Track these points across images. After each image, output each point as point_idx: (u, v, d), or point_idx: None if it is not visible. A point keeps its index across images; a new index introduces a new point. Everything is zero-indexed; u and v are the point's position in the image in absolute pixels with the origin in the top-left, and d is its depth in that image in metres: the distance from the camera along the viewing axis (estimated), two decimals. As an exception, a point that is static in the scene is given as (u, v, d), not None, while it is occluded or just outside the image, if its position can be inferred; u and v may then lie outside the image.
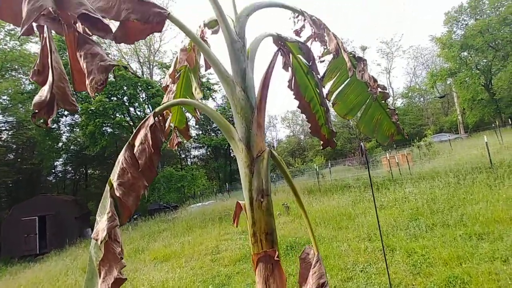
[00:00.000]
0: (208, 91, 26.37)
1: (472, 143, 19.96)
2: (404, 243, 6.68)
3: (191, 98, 2.87)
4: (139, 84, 22.97)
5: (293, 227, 10.22)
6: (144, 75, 27.13)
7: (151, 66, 29.03)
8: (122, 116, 24.35)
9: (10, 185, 27.28)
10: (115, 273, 1.55)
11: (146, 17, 1.50)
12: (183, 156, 39.32)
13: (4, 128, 26.83)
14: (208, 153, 38.24)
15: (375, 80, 2.66)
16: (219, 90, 28.22)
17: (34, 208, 20.78)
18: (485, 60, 30.66)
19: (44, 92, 1.47)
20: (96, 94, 1.27)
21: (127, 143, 1.63)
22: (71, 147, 30.81)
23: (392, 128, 3.07)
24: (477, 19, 30.20)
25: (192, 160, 39.94)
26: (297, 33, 2.27)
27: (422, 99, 49.74)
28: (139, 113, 25.27)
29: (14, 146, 28.13)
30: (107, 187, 1.64)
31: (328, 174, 19.48)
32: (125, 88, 22.50)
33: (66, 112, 25.30)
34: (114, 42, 1.53)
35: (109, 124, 23.30)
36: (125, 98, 23.58)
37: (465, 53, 31.11)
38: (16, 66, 24.57)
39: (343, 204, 11.69)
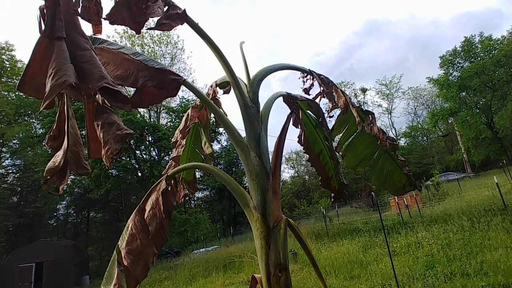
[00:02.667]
0: (213, 134, 26.83)
1: (481, 182, 19.58)
2: (422, 295, 6.23)
3: (200, 151, 2.88)
4: (145, 128, 23.48)
5: (302, 276, 9.68)
6: (151, 119, 27.86)
7: (158, 110, 29.94)
8: (128, 159, 24.56)
9: (11, 229, 26.74)
10: None
11: (162, 84, 1.55)
12: (186, 198, 38.70)
13: (11, 171, 27.04)
14: (212, 195, 37.72)
15: (384, 132, 2.67)
16: (224, 133, 28.72)
17: (33, 254, 20.11)
18: (484, 100, 31.25)
19: (57, 158, 1.47)
20: (111, 164, 1.26)
21: (137, 207, 1.59)
22: (75, 190, 30.69)
23: (403, 179, 3.01)
24: (471, 61, 31.37)
25: (195, 202, 39.31)
26: (307, 91, 2.33)
27: (425, 138, 49.96)
28: (144, 155, 25.49)
29: (19, 188, 28.10)
30: (115, 254, 1.56)
31: (336, 217, 18.93)
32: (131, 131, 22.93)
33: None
34: (131, 107, 1.56)
35: (113, 168, 23.41)
36: (131, 141, 23.97)
37: (464, 93, 31.84)
38: (29, 112, 25.53)
39: (354, 250, 11.17)
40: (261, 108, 1.73)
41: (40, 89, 1.27)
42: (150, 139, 24.79)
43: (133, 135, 1.34)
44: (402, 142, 47.63)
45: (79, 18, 1.38)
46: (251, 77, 1.81)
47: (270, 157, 1.58)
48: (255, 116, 1.63)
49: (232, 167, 34.78)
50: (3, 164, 25.73)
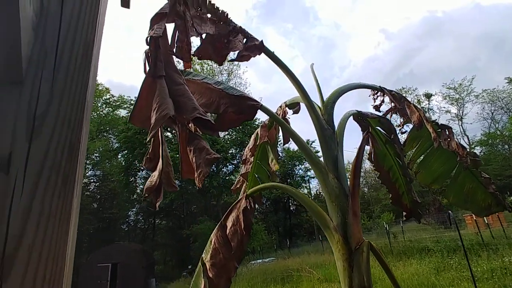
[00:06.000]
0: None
1: None
2: (514, 331, 5.42)
3: (266, 168, 2.99)
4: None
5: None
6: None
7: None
8: (189, 169, 26.08)
9: (91, 231, 30.23)
10: None
11: (241, 109, 1.69)
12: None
13: (92, 181, 30.79)
14: (268, 206, 37.91)
15: (463, 148, 2.47)
16: (279, 144, 28.89)
17: (109, 255, 22.36)
18: None
19: (154, 178, 1.69)
20: (202, 183, 1.42)
21: (219, 223, 1.73)
22: (143, 198, 33.56)
23: (488, 198, 2.72)
24: None
25: (251, 213, 39.91)
26: (377, 108, 2.29)
27: (506, 146, 43.63)
28: (204, 167, 26.84)
29: (98, 196, 31.78)
30: (200, 265, 1.72)
31: (400, 233, 17.50)
32: (193, 144, 24.48)
33: (142, 167, 28.23)
34: (212, 132, 1.73)
35: (177, 178, 25.11)
36: (192, 153, 25.47)
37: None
38: (108, 128, 29.02)
39: (424, 271, 10.18)
40: (335, 129, 1.77)
41: (145, 121, 1.49)
42: (209, 151, 26.09)
43: (220, 158, 1.49)
44: (477, 151, 42.27)
45: (173, 56, 1.60)
46: (324, 99, 1.86)
47: (348, 178, 1.60)
48: (331, 138, 1.67)
49: (287, 178, 34.66)
50: (87, 174, 29.44)
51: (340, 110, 2.19)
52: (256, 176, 3.24)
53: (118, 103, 29.15)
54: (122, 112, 29.88)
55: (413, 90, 43.02)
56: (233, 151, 26.97)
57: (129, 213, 34.94)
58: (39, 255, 0.60)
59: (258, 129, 2.52)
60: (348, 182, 1.57)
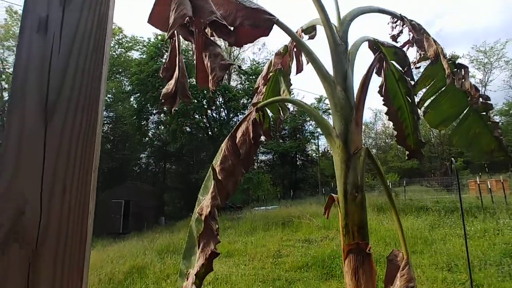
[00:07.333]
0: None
1: None
2: (494, 280, 5.83)
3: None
4: (218, 88, 24.69)
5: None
6: (223, 81, 29.05)
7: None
8: (200, 117, 26.47)
9: (105, 170, 31.88)
10: (211, 247, 1.77)
11: (257, 23, 1.70)
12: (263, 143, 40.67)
13: (106, 122, 31.59)
14: (275, 159, 38.71)
15: (476, 89, 2.46)
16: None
17: (122, 193, 23.87)
18: None
19: (170, 86, 1.78)
20: (215, 88, 1.50)
21: (230, 134, 1.85)
22: (155, 142, 34.65)
23: (492, 143, 2.76)
24: None
25: (258, 164, 40.97)
26: (394, 38, 2.25)
27: (527, 118, 42.04)
28: (215, 115, 27.13)
29: (112, 137, 32.86)
30: (210, 171, 1.88)
31: (402, 192, 17.94)
32: (205, 91, 24.44)
33: (154, 111, 28.62)
34: (228, 45, 1.77)
35: (188, 124, 25.57)
36: (204, 101, 25.60)
37: None
38: (120, 70, 28.89)
39: (419, 226, 10.66)
40: (348, 48, 1.78)
41: (164, 23, 1.54)
42: (221, 99, 26.11)
43: (234, 65, 1.55)
44: (496, 120, 40.85)
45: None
46: (341, 17, 1.84)
47: (354, 94, 1.66)
48: (343, 53, 1.70)
49: (296, 133, 34.83)
50: (101, 115, 30.05)
51: (354, 39, 2.16)
52: (266, 109, 3.32)
53: (130, 44, 28.58)
54: (135, 54, 29.49)
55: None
56: (244, 101, 26.86)
57: (141, 155, 36.33)
58: (76, 104, 0.70)
59: (272, 58, 2.53)
60: (355, 97, 1.63)
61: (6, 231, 0.57)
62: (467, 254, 4.39)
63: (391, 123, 2.73)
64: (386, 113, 2.55)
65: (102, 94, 0.75)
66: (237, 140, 1.78)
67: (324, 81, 1.69)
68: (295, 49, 2.46)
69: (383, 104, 2.45)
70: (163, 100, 1.75)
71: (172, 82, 1.76)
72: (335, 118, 1.63)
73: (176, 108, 1.71)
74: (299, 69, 2.58)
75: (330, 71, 1.69)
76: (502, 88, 42.35)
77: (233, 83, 31.09)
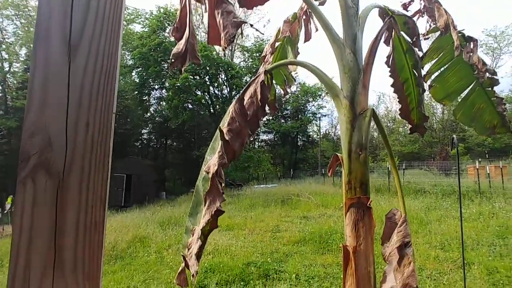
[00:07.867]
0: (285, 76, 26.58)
1: None
2: (485, 259, 6.03)
3: (283, 72, 3.05)
4: (220, 64, 24.36)
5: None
6: (226, 57, 28.58)
7: (232, 49, 30.43)
8: (202, 94, 26.28)
9: (107, 144, 32.03)
10: (217, 204, 1.85)
11: (269, -17, 1.69)
12: (251, 138, 40.62)
13: (107, 96, 31.44)
14: (276, 139, 38.80)
15: (484, 63, 2.46)
16: (296, 76, 28.24)
17: (123, 167, 24.16)
18: None
19: (180, 46, 1.80)
20: (226, 46, 1.52)
21: (238, 96, 1.88)
22: (157, 118, 34.61)
23: (495, 119, 2.79)
24: None
25: (259, 143, 41.13)
26: (405, 6, 2.23)
27: (534, 106, 41.58)
28: (217, 92, 26.90)
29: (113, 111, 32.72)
30: (217, 132, 1.93)
31: (401, 175, 18.14)
32: (207, 68, 24.12)
33: (156, 86, 28.37)
34: (239, 5, 1.77)
35: (190, 101, 25.43)
36: (206, 77, 25.33)
37: None
38: (122, 43, 28.33)
39: (415, 208, 10.86)
40: (359, 13, 1.78)
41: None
42: (223, 76, 25.81)
43: (246, 23, 1.56)
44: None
45: None
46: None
47: (363, 57, 1.68)
48: (354, 16, 1.70)
49: (298, 113, 34.70)
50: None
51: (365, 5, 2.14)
52: (272, 80, 3.32)
53: (132, 16, 27.88)
54: (137, 27, 28.83)
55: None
56: (247, 79, 26.59)
57: (142, 131, 36.39)
58: (97, 46, 0.73)
59: (281, 25, 2.51)
60: (363, 61, 1.66)
61: (36, 160, 0.63)
62: (461, 233, 4.53)
63: (393, 107, 2.74)
64: (391, 85, 2.57)
65: (121, 39, 0.79)
66: (245, 102, 1.82)
67: (333, 43, 1.70)
68: (304, 16, 2.44)
69: (390, 76, 2.46)
70: (173, 60, 1.77)
71: (183, 42, 1.77)
72: (343, 78, 1.65)
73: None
74: (308, 37, 2.57)
75: (340, 35, 1.69)
76: (510, 74, 41.54)
77: (236, 60, 30.61)
